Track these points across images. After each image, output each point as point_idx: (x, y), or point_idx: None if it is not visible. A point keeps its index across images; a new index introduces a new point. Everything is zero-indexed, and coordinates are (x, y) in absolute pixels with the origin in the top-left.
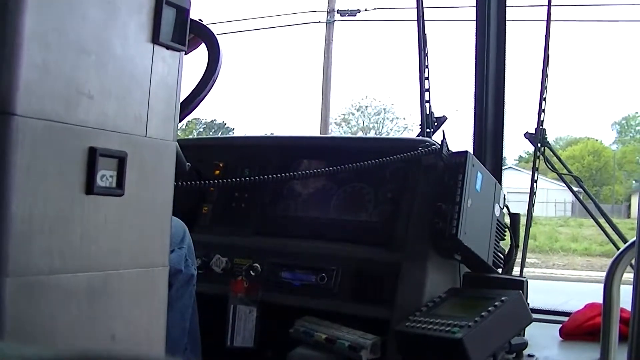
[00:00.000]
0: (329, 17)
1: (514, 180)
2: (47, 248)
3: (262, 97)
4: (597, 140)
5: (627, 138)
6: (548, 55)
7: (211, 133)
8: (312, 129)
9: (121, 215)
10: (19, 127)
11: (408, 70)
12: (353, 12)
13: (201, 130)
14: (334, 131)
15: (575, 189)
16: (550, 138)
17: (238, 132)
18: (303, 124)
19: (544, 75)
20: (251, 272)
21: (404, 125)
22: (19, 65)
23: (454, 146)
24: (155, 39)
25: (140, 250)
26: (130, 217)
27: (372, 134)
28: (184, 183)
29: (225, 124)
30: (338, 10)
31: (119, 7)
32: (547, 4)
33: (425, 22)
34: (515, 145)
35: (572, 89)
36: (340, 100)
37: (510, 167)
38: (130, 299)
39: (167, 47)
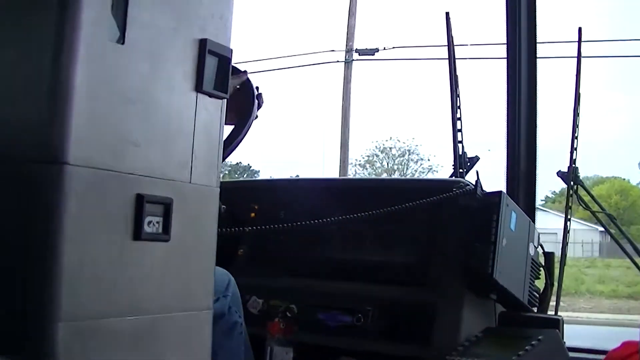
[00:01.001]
0: (347, 56)
1: (541, 221)
2: (97, 293)
3: (284, 138)
4: (624, 179)
5: None
6: (579, 93)
7: (236, 175)
8: (334, 170)
9: (167, 259)
10: (70, 175)
11: (432, 110)
12: (371, 52)
13: (226, 172)
14: (359, 173)
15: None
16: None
17: (263, 175)
18: (325, 165)
19: (576, 113)
20: (287, 313)
21: (429, 166)
22: (70, 115)
23: (486, 185)
24: (198, 88)
25: (185, 294)
26: (175, 261)
27: (396, 176)
28: (223, 230)
29: (250, 166)
30: (356, 49)
31: (164, 57)
32: (577, 40)
33: (456, 62)
34: (541, 185)
35: (598, 127)
36: (363, 141)
37: (536, 208)
38: (176, 342)
39: (210, 95)
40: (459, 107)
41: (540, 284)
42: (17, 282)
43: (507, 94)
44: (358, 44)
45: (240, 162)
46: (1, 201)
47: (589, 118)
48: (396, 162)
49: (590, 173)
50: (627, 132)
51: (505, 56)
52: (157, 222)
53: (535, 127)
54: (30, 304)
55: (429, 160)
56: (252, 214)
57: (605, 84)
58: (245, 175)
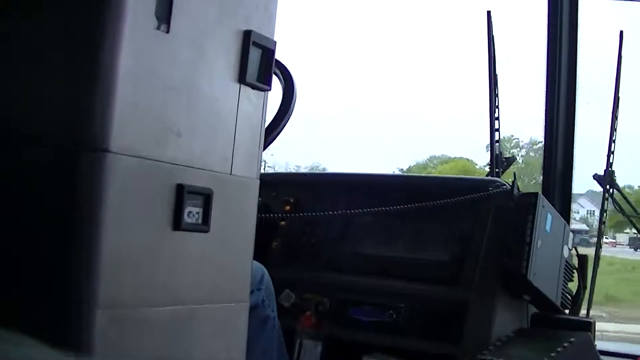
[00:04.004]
0: None
1: None
2: (135, 282)
3: None
4: (468, 160)
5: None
6: (618, 97)
7: None
8: None
9: (205, 250)
10: (112, 163)
11: None
12: None
13: None
14: None
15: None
16: (424, 156)
17: None
18: None
19: (614, 117)
20: (319, 307)
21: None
22: (113, 104)
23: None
24: (241, 79)
25: (222, 285)
26: (214, 252)
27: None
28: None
29: None
30: None
31: (208, 48)
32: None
33: (496, 62)
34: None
35: (451, 107)
36: None
37: None
38: (212, 333)
39: (253, 87)
40: (497, 107)
41: (572, 286)
42: (57, 268)
43: (546, 97)
44: None
45: None
46: (43, 188)
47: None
48: None
49: (439, 152)
50: (478, 114)
51: (546, 58)
52: (197, 213)
53: (573, 129)
54: (68, 291)
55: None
56: (288, 207)
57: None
58: None
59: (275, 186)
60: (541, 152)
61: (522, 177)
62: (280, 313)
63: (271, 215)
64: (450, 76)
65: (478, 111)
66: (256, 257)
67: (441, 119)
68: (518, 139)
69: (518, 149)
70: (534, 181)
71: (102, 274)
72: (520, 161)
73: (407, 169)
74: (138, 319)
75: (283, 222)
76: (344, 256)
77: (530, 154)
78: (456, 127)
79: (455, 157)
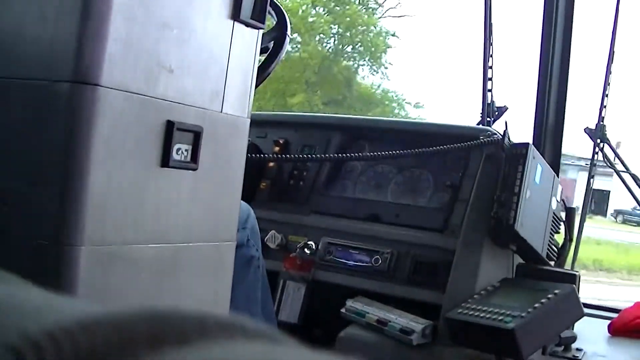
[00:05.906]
0: None
1: None
2: (122, 219)
3: None
4: None
5: None
6: (614, 50)
7: None
8: None
9: (194, 189)
10: (102, 97)
11: None
12: None
13: None
14: None
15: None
16: None
17: None
18: None
19: (608, 71)
20: (305, 249)
21: None
22: (104, 38)
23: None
24: (235, 16)
25: (209, 225)
26: (202, 191)
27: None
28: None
29: None
30: None
31: None
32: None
33: (492, 10)
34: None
35: None
36: None
37: None
38: (198, 272)
39: (247, 25)
40: (492, 56)
41: (559, 238)
42: (42, 204)
43: (541, 46)
44: None
45: None
46: (31, 122)
47: None
48: None
49: None
50: None
51: (542, 14)
52: (186, 150)
53: (566, 81)
54: (53, 227)
55: None
56: (277, 148)
57: None
58: None
59: (266, 127)
60: None
61: None
62: (265, 254)
63: (260, 155)
64: None
65: None
66: (244, 197)
67: None
68: None
69: None
70: None
71: (88, 210)
72: None
73: None
74: (124, 257)
75: (272, 163)
76: (332, 199)
77: None
78: None
79: None
